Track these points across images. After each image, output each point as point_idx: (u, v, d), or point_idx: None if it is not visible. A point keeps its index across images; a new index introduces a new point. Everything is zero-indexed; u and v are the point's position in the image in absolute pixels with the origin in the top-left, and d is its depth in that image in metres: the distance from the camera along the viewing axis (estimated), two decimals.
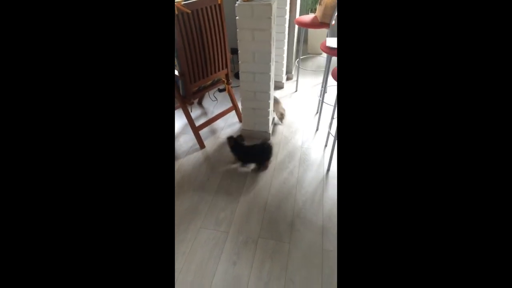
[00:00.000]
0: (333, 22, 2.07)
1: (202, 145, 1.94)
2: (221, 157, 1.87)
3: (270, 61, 1.67)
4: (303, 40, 3.45)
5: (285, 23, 2.26)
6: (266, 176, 1.71)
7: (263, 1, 1.52)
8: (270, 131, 2.00)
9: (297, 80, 2.62)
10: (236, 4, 1.53)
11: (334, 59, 2.83)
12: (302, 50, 3.28)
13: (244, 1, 1.54)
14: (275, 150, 1.91)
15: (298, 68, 2.59)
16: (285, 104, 2.38)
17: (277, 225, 1.43)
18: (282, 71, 2.54)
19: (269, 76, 1.73)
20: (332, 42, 1.74)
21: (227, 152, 1.85)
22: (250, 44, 1.64)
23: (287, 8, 2.22)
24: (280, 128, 2.11)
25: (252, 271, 1.24)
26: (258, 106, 1.87)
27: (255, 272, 1.24)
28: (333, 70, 1.50)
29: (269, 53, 1.64)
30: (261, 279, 1.21)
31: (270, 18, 1.52)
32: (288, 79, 2.78)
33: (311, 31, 3.16)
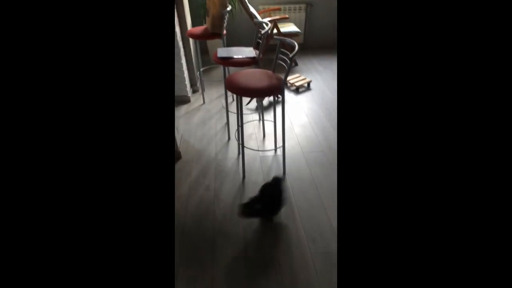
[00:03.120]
0: (224, 32, 2.10)
1: None
2: None
3: None
4: (203, 51, 3.44)
5: (176, 36, 2.20)
6: (181, 199, 1.61)
7: None
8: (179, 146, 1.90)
9: (202, 92, 2.58)
10: None
11: (231, 68, 2.88)
12: (202, 61, 3.26)
13: None
14: (188, 168, 1.82)
15: (201, 80, 2.56)
16: (194, 117, 2.31)
17: (197, 250, 1.35)
18: (186, 84, 2.46)
19: None
20: (223, 52, 1.76)
21: None
22: None
23: (176, 21, 2.16)
24: (191, 142, 2.03)
25: None
26: None
27: None
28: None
29: None
30: None
31: None
32: (194, 91, 2.71)
33: (210, 41, 3.17)
